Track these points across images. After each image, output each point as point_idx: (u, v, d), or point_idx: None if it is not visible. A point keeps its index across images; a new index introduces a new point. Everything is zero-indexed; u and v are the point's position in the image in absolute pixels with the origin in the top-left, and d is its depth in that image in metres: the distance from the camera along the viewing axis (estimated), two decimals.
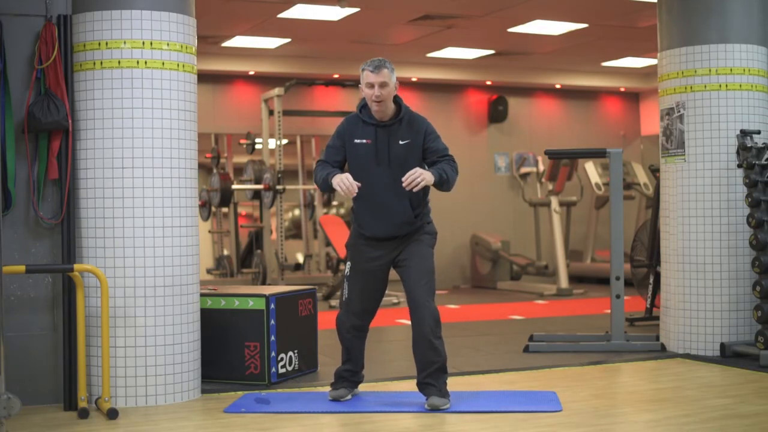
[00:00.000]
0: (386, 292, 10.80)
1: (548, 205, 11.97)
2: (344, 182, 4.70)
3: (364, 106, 4.91)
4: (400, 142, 4.81)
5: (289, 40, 11.04)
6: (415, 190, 4.67)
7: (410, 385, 5.34)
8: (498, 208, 13.60)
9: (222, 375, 5.58)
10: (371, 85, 4.77)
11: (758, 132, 6.35)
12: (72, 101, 5.12)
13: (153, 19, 5.11)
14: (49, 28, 5.08)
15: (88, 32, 5.11)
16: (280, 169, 10.85)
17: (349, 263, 5.00)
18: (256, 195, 11.54)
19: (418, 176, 4.65)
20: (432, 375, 4.82)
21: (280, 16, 9.75)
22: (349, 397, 5.05)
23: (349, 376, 5.05)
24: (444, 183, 4.77)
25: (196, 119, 5.34)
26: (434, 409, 4.78)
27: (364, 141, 4.82)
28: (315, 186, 12.34)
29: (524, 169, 13.47)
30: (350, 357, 5.02)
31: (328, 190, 4.88)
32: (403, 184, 4.67)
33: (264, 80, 12.28)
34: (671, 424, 4.48)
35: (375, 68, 4.77)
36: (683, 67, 6.47)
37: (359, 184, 4.70)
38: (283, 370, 5.64)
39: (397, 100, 4.89)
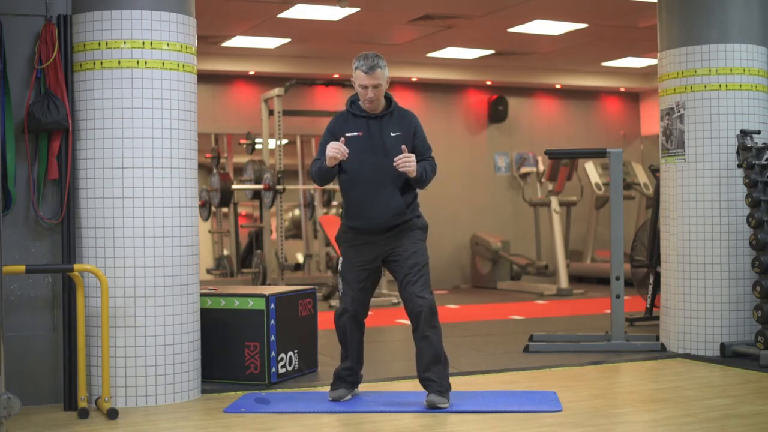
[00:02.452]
0: (386, 292, 10.82)
1: (548, 205, 11.97)
2: (334, 148, 4.77)
3: (354, 101, 4.99)
4: (392, 134, 4.89)
5: (289, 40, 11.04)
6: (400, 169, 4.77)
7: (410, 385, 5.34)
8: (498, 208, 13.60)
9: (222, 375, 5.58)
10: (365, 87, 4.83)
11: (758, 132, 6.35)
12: (72, 101, 5.12)
13: (153, 19, 5.11)
14: (49, 28, 5.08)
15: (88, 32, 5.11)
16: (280, 169, 10.85)
17: (341, 259, 5.05)
18: (256, 195, 11.53)
19: (410, 162, 4.77)
20: (430, 369, 4.82)
21: (280, 16, 9.75)
22: (349, 397, 5.05)
23: (347, 375, 5.03)
24: (421, 181, 4.92)
25: (196, 119, 5.34)
26: (432, 407, 4.78)
27: (356, 133, 4.88)
28: (315, 186, 12.43)
29: (524, 169, 13.47)
30: (348, 353, 4.99)
31: (328, 176, 4.91)
32: (395, 162, 4.77)
33: (264, 80, 12.28)
34: (671, 424, 4.49)
35: (369, 69, 4.81)
36: (683, 67, 6.47)
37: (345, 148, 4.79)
38: (283, 370, 5.64)
39: (386, 95, 4.97)
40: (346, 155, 4.78)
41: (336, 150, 4.77)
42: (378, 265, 4.98)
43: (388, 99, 4.98)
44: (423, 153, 4.96)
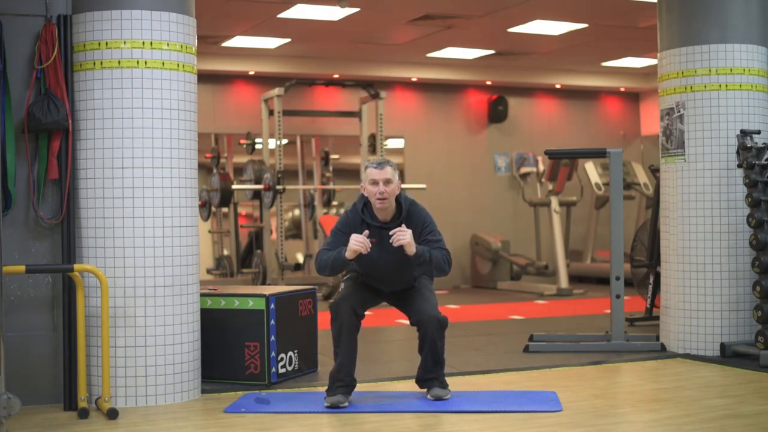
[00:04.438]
0: None
1: (548, 205, 11.97)
2: (359, 242, 4.77)
3: (365, 204, 4.99)
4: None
5: (289, 40, 11.04)
6: (396, 244, 4.78)
7: (410, 385, 5.34)
8: (498, 208, 13.60)
9: (222, 375, 5.58)
10: (375, 182, 4.87)
11: (758, 132, 6.35)
12: (72, 101, 5.12)
13: (153, 19, 5.11)
14: (49, 28, 5.08)
15: (88, 32, 5.11)
16: (280, 169, 10.85)
17: (348, 275, 5.13)
18: (256, 195, 11.53)
19: (405, 234, 4.77)
20: (432, 370, 5.00)
21: (280, 16, 9.75)
22: (346, 404, 4.91)
23: (344, 376, 4.94)
24: (425, 262, 4.87)
25: (196, 119, 5.34)
26: (437, 399, 4.94)
27: (369, 240, 4.86)
28: (315, 186, 12.42)
29: (524, 169, 13.47)
30: (341, 350, 4.92)
31: (342, 267, 4.96)
32: (391, 239, 4.79)
33: (264, 80, 12.27)
34: (671, 424, 4.49)
35: (378, 165, 4.90)
36: (683, 67, 6.47)
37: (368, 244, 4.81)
38: (283, 370, 5.64)
39: (398, 198, 4.98)
40: (369, 249, 4.80)
41: (360, 244, 4.77)
42: (384, 292, 5.14)
43: (399, 204, 4.99)
44: (433, 245, 4.94)
